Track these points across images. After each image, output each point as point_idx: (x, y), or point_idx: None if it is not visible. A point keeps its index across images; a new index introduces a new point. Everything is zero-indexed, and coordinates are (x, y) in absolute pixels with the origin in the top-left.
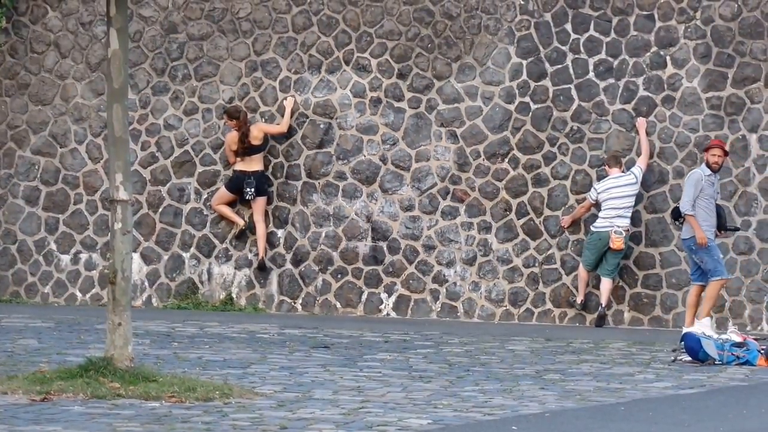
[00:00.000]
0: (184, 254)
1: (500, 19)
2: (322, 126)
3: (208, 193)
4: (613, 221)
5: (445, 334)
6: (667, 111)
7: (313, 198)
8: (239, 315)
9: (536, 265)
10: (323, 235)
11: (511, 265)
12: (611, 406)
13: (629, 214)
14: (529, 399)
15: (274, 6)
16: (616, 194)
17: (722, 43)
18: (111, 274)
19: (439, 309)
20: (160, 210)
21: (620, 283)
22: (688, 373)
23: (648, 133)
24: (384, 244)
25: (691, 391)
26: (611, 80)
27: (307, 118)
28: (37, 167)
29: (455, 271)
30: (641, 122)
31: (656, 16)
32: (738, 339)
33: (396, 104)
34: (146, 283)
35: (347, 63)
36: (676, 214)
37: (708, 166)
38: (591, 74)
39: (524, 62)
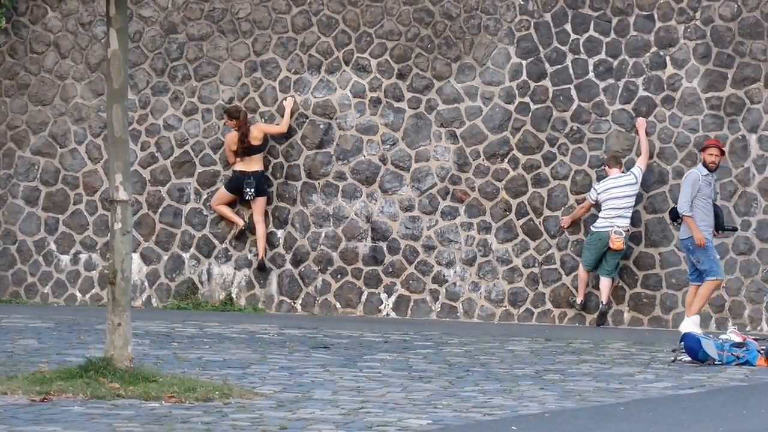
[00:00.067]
0: (183, 254)
1: (500, 19)
2: (321, 126)
3: (207, 193)
4: (614, 221)
5: (445, 335)
6: (667, 111)
7: (313, 198)
8: (239, 315)
9: (536, 265)
10: (323, 235)
11: (510, 266)
12: (611, 406)
13: (629, 215)
14: (528, 399)
15: (274, 6)
16: (616, 194)
17: (722, 44)
18: (111, 274)
19: (438, 309)
20: (160, 210)
21: (620, 284)
22: (687, 373)
23: (648, 134)
24: (384, 245)
25: (691, 391)
26: (611, 80)
27: (307, 118)
28: (36, 167)
29: (455, 272)
30: (641, 122)
31: (656, 16)
32: (738, 339)
33: (396, 104)
34: (146, 284)
35: (347, 63)
36: (674, 215)
37: (705, 165)
38: (591, 74)
39: (524, 62)
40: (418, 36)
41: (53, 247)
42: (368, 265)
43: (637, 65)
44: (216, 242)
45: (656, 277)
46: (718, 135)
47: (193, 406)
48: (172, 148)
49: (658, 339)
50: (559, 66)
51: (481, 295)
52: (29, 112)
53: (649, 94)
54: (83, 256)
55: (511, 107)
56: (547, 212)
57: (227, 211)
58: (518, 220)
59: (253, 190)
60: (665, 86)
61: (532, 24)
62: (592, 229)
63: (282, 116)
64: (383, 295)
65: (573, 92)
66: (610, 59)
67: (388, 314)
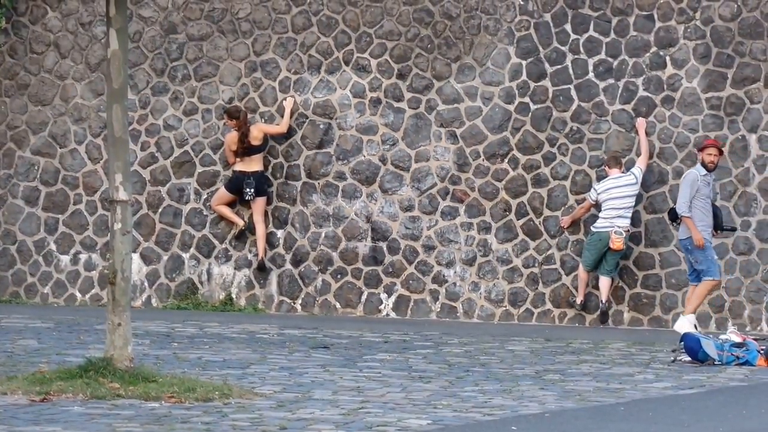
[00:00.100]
0: (183, 255)
1: (500, 19)
2: (321, 126)
3: (207, 193)
4: (614, 222)
5: (445, 335)
6: (667, 111)
7: (313, 198)
8: (239, 315)
9: (536, 265)
10: (323, 235)
11: (510, 266)
12: (611, 406)
13: (629, 215)
14: (528, 399)
15: (274, 6)
16: (616, 194)
17: (722, 44)
18: (111, 274)
19: (438, 309)
20: (160, 210)
21: (620, 284)
22: (687, 373)
23: (647, 134)
24: (384, 245)
25: (691, 391)
26: (611, 80)
27: (307, 118)
28: (36, 168)
29: (455, 272)
30: (641, 122)
31: (656, 16)
32: (737, 339)
33: (396, 104)
34: (146, 284)
35: (347, 63)
36: (673, 216)
37: (704, 165)
38: (591, 74)
39: (524, 63)
40: (418, 36)
41: (53, 247)
42: (368, 265)
43: (637, 65)
44: (216, 242)
45: (656, 278)
46: (718, 135)
47: (193, 406)
48: (172, 148)
49: (658, 339)
50: (559, 66)
51: (481, 295)
52: (29, 112)
53: (649, 95)
54: (83, 256)
55: (511, 107)
56: (547, 212)
57: (227, 212)
58: (518, 220)
59: (252, 190)
60: (665, 86)
61: (531, 24)
62: (593, 229)
63: (282, 116)
64: (383, 295)
65: (573, 92)
66: (610, 59)
67: (388, 314)
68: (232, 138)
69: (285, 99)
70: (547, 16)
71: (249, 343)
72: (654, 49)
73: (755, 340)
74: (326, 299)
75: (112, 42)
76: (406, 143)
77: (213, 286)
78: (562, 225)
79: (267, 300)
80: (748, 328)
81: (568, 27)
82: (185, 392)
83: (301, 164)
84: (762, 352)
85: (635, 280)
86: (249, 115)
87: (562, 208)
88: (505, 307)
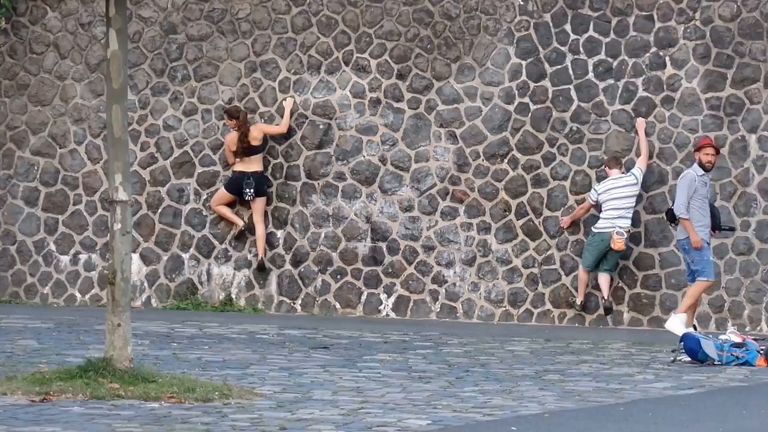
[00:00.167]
0: (183, 255)
1: (500, 19)
2: (321, 126)
3: (207, 193)
4: (615, 222)
5: (445, 335)
6: (667, 111)
7: (313, 199)
8: (239, 315)
9: (536, 265)
10: (323, 235)
11: (510, 266)
12: (610, 406)
13: (630, 215)
14: (528, 399)
15: (274, 7)
16: (616, 195)
17: (721, 44)
18: (110, 274)
19: (438, 309)
20: (160, 211)
21: (620, 284)
22: (687, 373)
23: (647, 134)
24: (383, 245)
25: (691, 391)
26: (611, 81)
27: (307, 118)
28: (36, 168)
29: (455, 272)
30: (640, 123)
31: (655, 16)
32: (737, 339)
33: (395, 105)
34: (146, 284)
35: (347, 63)
36: (671, 217)
37: (701, 165)
38: (590, 75)
39: (523, 63)
40: (417, 36)
41: (53, 247)
42: (368, 265)
43: (637, 65)
44: (216, 243)
45: (656, 278)
46: (717, 135)
47: (193, 406)
48: (172, 148)
49: (658, 339)
50: (559, 66)
51: (480, 296)
52: (29, 113)
53: (649, 95)
54: (83, 257)
55: (511, 108)
56: (546, 213)
57: (227, 212)
58: (518, 220)
59: (252, 190)
60: (665, 86)
61: (531, 24)
62: (594, 230)
63: (282, 117)
64: (383, 296)
65: (573, 93)
66: (609, 59)
67: (387, 315)
68: (231, 138)
69: (285, 99)
70: (547, 17)
71: (249, 343)
72: (654, 49)
73: (755, 340)
74: (326, 299)
75: (112, 42)
76: (405, 143)
77: (213, 286)
78: (561, 225)
79: (267, 300)
80: (747, 329)
81: (567, 27)
82: (185, 392)
83: (301, 164)
84: (762, 352)
85: (635, 281)
86: (249, 116)
87: (562, 209)
88: (505, 307)
